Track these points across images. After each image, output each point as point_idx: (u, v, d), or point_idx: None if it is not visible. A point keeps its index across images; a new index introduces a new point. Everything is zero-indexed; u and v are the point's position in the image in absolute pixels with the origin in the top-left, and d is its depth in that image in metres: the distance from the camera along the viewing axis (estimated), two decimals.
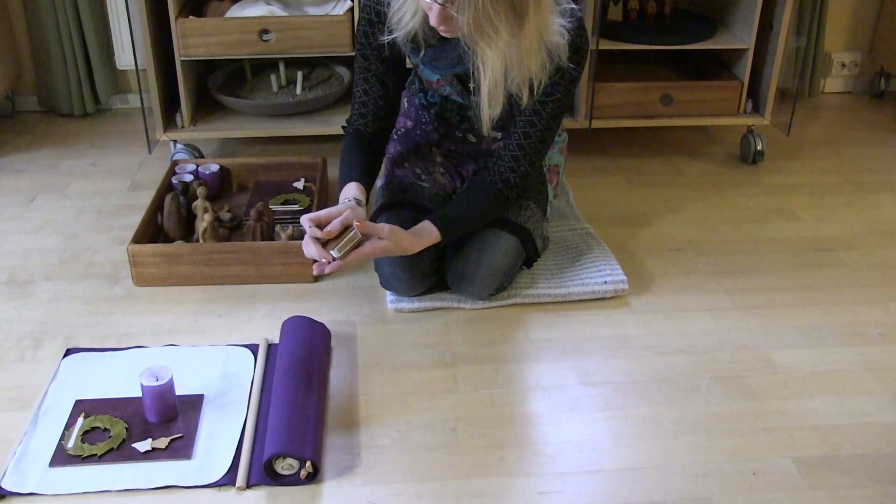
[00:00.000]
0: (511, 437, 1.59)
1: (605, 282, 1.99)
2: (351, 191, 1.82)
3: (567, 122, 2.53)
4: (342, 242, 1.73)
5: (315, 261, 1.71)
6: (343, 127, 1.97)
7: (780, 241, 2.26)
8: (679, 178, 2.59)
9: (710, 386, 1.73)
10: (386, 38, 1.80)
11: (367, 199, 1.85)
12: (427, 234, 1.83)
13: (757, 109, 2.61)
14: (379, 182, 2.40)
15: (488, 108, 1.73)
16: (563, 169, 2.17)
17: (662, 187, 2.53)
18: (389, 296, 1.98)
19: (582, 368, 1.78)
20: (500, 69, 1.64)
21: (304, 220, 1.70)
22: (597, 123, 2.55)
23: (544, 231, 2.08)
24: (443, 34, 1.65)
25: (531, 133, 1.82)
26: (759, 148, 2.64)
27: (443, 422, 1.63)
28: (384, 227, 1.75)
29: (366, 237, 1.74)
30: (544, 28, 1.64)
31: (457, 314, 1.95)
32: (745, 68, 2.53)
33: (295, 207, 2.29)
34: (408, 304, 1.96)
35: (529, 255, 2.01)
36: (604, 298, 2.00)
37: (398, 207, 1.98)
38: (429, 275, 1.95)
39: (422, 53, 1.84)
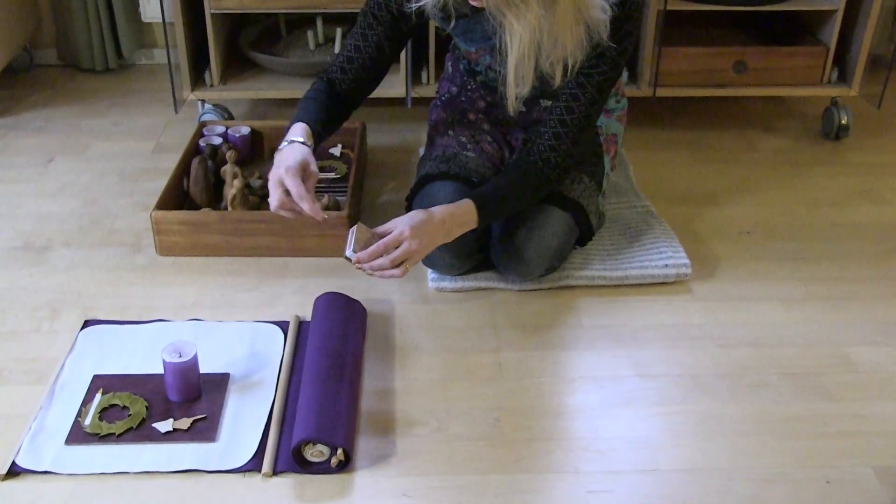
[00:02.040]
0: (558, 431, 1.60)
1: (667, 265, 1.98)
2: (298, 131, 1.78)
3: (629, 90, 2.51)
4: (348, 241, 1.71)
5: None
6: (318, 74, 1.94)
7: (862, 226, 2.23)
8: (751, 153, 2.56)
9: (780, 383, 1.71)
10: (414, 5, 1.79)
11: (315, 150, 1.81)
12: (463, 213, 1.80)
13: (843, 79, 2.56)
14: (420, 151, 2.40)
15: (514, 87, 1.71)
16: (622, 139, 2.16)
17: (732, 164, 2.50)
18: (431, 274, 1.99)
19: (638, 359, 1.77)
20: (530, 45, 1.62)
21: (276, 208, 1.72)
22: (661, 92, 2.52)
23: (600, 207, 2.07)
24: (472, 3, 1.64)
25: (574, 108, 1.80)
26: (843, 122, 2.60)
27: (485, 411, 1.64)
28: (401, 228, 1.71)
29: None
30: (582, 1, 1.62)
31: (503, 295, 1.96)
32: (832, 32, 2.48)
33: (331, 175, 2.30)
34: (450, 283, 1.96)
35: (583, 232, 2.00)
36: (664, 283, 1.99)
37: (441, 179, 1.98)
38: (473, 252, 1.95)
39: (452, 24, 1.83)
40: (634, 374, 1.73)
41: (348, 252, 1.70)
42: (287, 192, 1.70)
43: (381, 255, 1.70)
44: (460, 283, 1.96)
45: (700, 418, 1.63)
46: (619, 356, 1.78)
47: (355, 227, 1.75)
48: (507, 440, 1.58)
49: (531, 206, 1.91)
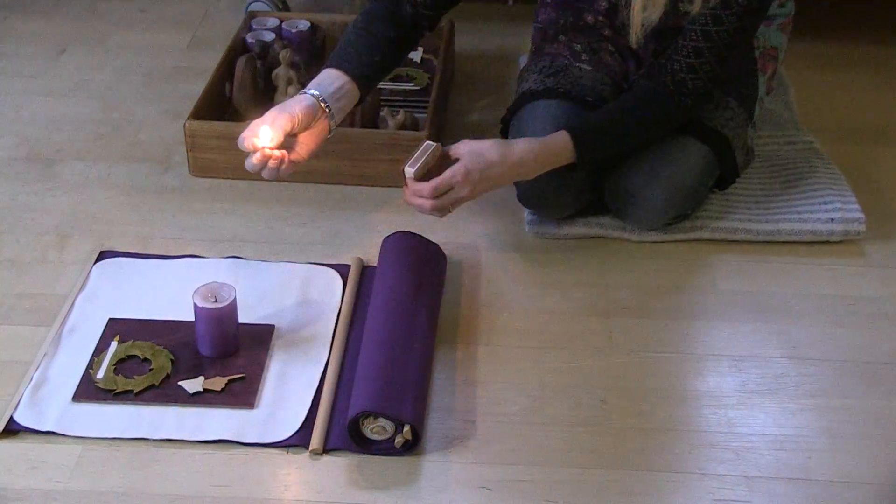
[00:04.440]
0: (681, 420, 1.59)
1: (833, 219, 1.95)
2: (327, 79, 1.75)
3: None
4: (415, 155, 1.74)
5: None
6: None
7: None
8: None
9: None
10: None
11: (360, 101, 1.79)
12: (554, 150, 1.80)
13: None
14: (521, 60, 2.39)
15: (642, 10, 1.69)
16: (783, 55, 2.12)
17: None
18: (528, 215, 1.99)
19: (789, 336, 1.76)
20: None
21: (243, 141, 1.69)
22: None
23: (749, 140, 2.05)
24: None
25: (723, 18, 1.77)
26: None
27: (589, 390, 1.64)
28: (458, 168, 1.73)
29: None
30: None
31: (618, 247, 1.95)
32: None
33: (408, 86, 2.31)
34: (553, 228, 1.96)
35: (725, 172, 1.98)
36: (828, 242, 1.96)
37: (546, 97, 1.97)
38: (584, 190, 1.94)
39: None
40: (783, 355, 1.72)
41: (407, 167, 1.73)
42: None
43: (425, 197, 1.74)
44: (565, 228, 1.96)
45: (867, 417, 1.61)
46: (763, 332, 1.76)
47: (432, 145, 1.76)
48: (615, 428, 1.58)
49: (653, 142, 1.89)
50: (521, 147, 1.79)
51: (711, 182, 1.97)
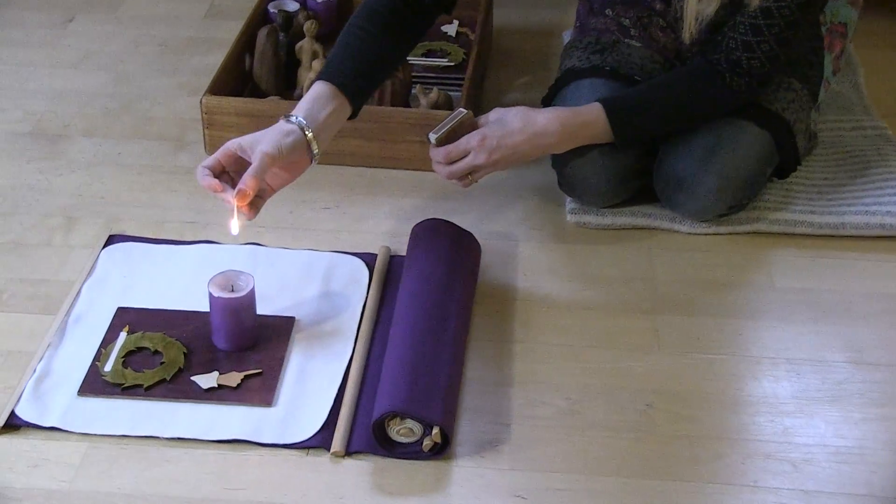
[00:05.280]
0: (733, 428, 1.59)
1: None
2: (319, 101, 1.69)
3: None
4: (444, 121, 1.78)
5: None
6: None
7: None
8: None
9: None
10: None
11: (355, 114, 1.75)
12: (584, 122, 1.81)
13: None
14: (565, 36, 2.39)
15: (696, 2, 1.70)
16: (852, 31, 2.11)
17: None
18: (570, 203, 1.99)
19: (853, 339, 1.75)
20: None
21: (199, 169, 1.64)
22: None
23: (812, 125, 2.04)
24: None
25: None
26: None
27: (633, 393, 1.64)
28: (474, 135, 1.77)
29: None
30: None
31: (667, 239, 1.95)
32: None
33: (443, 62, 2.31)
34: (596, 217, 1.96)
35: (785, 159, 1.98)
36: None
37: (591, 76, 1.97)
38: (630, 177, 1.94)
39: None
40: (846, 359, 1.71)
41: (431, 132, 1.79)
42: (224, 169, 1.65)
43: (442, 162, 1.79)
44: (609, 217, 1.96)
45: None
46: (825, 333, 1.76)
47: (463, 112, 1.80)
48: (662, 435, 1.58)
49: (701, 124, 1.89)
50: (546, 115, 1.80)
51: (770, 170, 1.97)
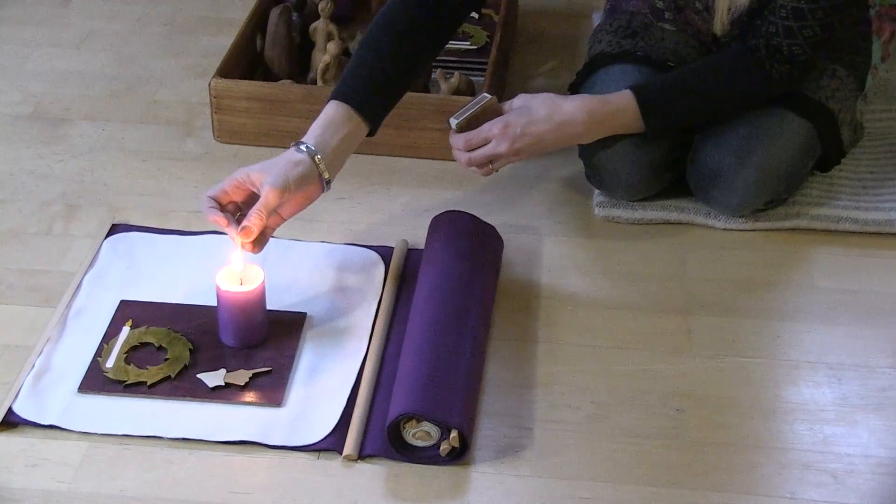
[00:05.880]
0: (769, 436, 1.59)
1: None
2: (332, 125, 1.69)
3: None
4: (466, 106, 1.79)
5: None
6: None
7: None
8: None
9: None
10: None
11: (373, 131, 1.76)
12: (614, 110, 1.82)
13: None
14: (595, 18, 2.38)
15: None
16: None
17: None
18: (598, 196, 1.99)
19: None
20: None
21: (204, 199, 1.65)
22: None
23: (858, 115, 2.03)
24: None
25: None
26: None
27: (664, 397, 1.64)
28: (496, 122, 1.78)
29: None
30: None
31: (700, 235, 1.95)
32: None
33: (465, 45, 2.31)
34: (625, 211, 1.97)
35: (828, 151, 1.97)
36: None
37: (621, 62, 1.97)
38: (662, 169, 1.94)
39: None
40: (891, 365, 1.71)
41: (452, 117, 1.80)
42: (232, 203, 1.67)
43: (462, 149, 1.80)
44: (640, 212, 1.96)
45: None
46: (868, 337, 1.75)
47: (487, 97, 1.81)
48: (693, 441, 1.58)
49: (738, 113, 1.89)
50: (573, 103, 1.81)
51: (812, 163, 1.96)
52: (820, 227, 1.95)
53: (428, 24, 1.80)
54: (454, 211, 1.86)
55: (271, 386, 1.62)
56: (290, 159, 1.65)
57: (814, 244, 1.93)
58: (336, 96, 1.72)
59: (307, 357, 1.67)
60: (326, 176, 1.68)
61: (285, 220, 1.70)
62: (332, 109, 1.71)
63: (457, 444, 1.51)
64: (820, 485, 1.52)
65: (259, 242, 1.65)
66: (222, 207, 1.65)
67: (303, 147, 1.67)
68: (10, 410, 1.56)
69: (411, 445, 1.53)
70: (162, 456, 1.53)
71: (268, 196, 1.61)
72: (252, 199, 1.65)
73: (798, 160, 1.91)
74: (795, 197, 1.97)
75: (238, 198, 1.67)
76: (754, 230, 1.95)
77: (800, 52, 1.82)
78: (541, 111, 1.80)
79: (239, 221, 1.63)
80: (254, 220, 1.61)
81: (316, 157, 1.66)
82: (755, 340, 1.74)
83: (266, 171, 1.64)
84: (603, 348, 1.72)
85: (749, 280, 1.86)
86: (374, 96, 1.74)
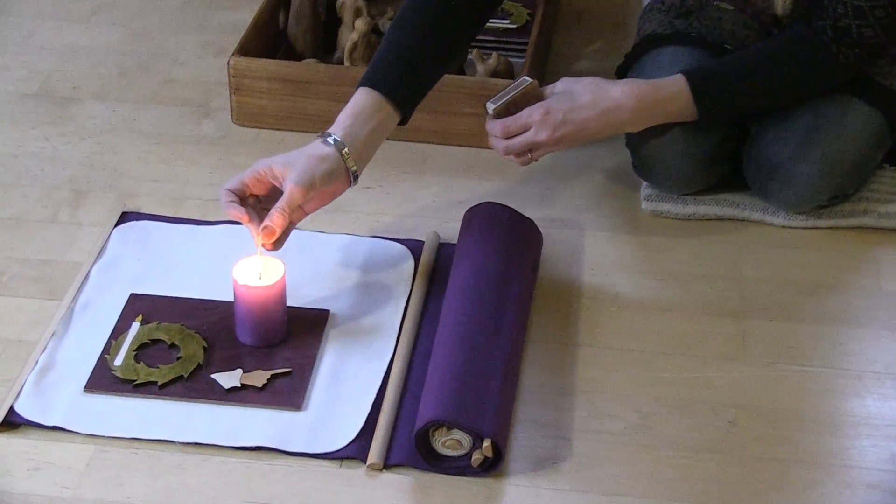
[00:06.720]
0: (831, 452, 1.59)
1: None
2: (362, 115, 1.70)
3: None
4: (505, 90, 1.79)
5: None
6: None
7: None
8: None
9: None
10: None
11: (405, 120, 1.76)
12: (664, 97, 1.81)
13: None
14: None
15: None
16: None
17: None
18: (646, 189, 1.99)
19: None
20: None
21: (223, 192, 1.66)
22: None
23: None
24: None
25: None
26: None
27: (715, 407, 1.64)
28: (537, 108, 1.78)
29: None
30: None
31: (757, 232, 1.95)
32: None
33: (504, 23, 2.31)
34: (675, 205, 1.97)
35: None
36: None
37: (673, 43, 1.97)
38: (716, 160, 1.94)
39: None
40: None
41: (489, 102, 1.80)
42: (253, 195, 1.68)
43: (499, 136, 1.80)
44: (692, 206, 1.96)
45: None
46: None
47: (527, 81, 1.81)
48: (747, 456, 1.58)
49: (801, 102, 1.89)
50: (620, 89, 1.80)
51: (881, 156, 1.96)
52: (888, 225, 1.95)
53: (465, 1, 1.81)
54: (490, 203, 1.86)
55: (291, 388, 1.62)
56: (316, 154, 1.66)
57: (881, 244, 1.93)
58: (366, 83, 1.72)
59: (329, 357, 1.68)
60: (354, 169, 1.68)
61: (307, 215, 1.71)
62: (362, 97, 1.72)
63: (490, 455, 1.51)
64: None
65: (280, 240, 1.66)
66: (242, 201, 1.66)
67: (330, 140, 1.67)
68: (11, 410, 1.57)
69: (441, 455, 1.53)
70: (173, 461, 1.53)
71: (292, 194, 1.62)
72: (273, 192, 1.66)
73: (866, 152, 1.91)
74: (862, 192, 1.97)
75: (259, 191, 1.68)
76: (816, 228, 1.95)
77: (870, 35, 1.81)
78: (585, 96, 1.80)
79: (259, 212, 1.64)
80: (276, 219, 1.62)
81: (343, 151, 1.67)
82: (815, 348, 1.74)
83: (290, 166, 1.64)
84: (649, 354, 1.72)
85: (809, 282, 1.85)
86: (407, 83, 1.74)
